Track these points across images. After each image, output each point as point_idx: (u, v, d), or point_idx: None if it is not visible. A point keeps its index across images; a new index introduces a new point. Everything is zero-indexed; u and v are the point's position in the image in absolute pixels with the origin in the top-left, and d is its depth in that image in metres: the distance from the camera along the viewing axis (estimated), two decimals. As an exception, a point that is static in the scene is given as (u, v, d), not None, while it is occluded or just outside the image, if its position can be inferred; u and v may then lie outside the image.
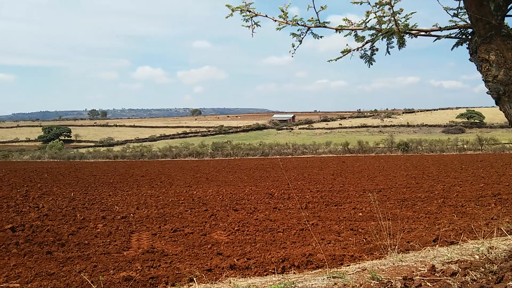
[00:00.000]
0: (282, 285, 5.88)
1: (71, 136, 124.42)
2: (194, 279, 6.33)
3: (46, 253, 8.54)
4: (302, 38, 4.05)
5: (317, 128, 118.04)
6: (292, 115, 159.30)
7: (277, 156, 47.55)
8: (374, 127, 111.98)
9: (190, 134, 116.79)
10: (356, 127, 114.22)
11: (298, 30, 4.04)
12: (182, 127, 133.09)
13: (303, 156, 48.28)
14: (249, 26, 3.98)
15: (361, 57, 4.09)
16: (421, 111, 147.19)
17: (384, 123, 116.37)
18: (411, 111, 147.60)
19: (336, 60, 4.12)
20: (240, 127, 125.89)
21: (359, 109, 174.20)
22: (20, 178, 25.28)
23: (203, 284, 6.24)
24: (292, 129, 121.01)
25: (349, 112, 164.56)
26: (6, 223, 11.37)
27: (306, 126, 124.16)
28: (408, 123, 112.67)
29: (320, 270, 6.65)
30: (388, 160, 37.39)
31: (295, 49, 4.08)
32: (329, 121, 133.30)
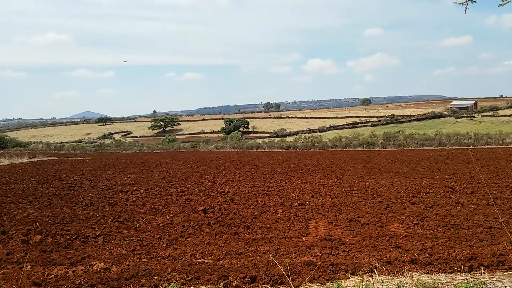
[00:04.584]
0: (471, 285, 5.52)
1: (248, 128, 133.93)
2: (374, 270, 6.34)
3: (234, 234, 9.45)
4: None
5: (504, 116, 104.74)
6: (474, 101, 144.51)
7: (469, 147, 43.73)
8: None
9: (359, 124, 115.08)
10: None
11: None
12: (352, 117, 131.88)
13: (487, 147, 43.39)
14: (462, 3, 3.85)
15: None
16: None
17: None
18: None
19: None
20: (414, 115, 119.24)
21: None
22: (207, 166, 28.22)
23: (384, 276, 6.21)
24: (473, 117, 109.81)
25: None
26: (199, 205, 12.90)
27: (490, 113, 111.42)
28: None
29: (515, 272, 6.04)
30: None
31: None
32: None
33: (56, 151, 65.55)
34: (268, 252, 7.79)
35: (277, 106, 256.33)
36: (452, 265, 6.70)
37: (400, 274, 6.28)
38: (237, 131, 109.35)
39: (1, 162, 31.98)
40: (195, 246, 8.46)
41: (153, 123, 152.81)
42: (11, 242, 8.74)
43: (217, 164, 29.34)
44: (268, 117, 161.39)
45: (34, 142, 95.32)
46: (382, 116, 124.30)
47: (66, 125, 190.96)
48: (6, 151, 40.75)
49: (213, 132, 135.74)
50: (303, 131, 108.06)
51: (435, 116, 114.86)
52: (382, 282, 5.96)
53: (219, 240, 8.94)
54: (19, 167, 28.35)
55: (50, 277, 6.52)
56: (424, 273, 6.43)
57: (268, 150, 52.38)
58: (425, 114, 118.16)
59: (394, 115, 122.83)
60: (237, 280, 6.23)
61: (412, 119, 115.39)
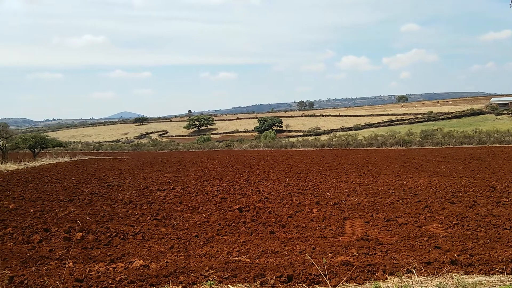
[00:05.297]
0: (515, 288, 5.34)
1: (282, 127, 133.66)
2: (413, 270, 6.23)
3: (269, 233, 9.47)
4: None
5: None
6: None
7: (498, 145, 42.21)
8: None
9: (396, 122, 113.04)
10: None
11: None
12: (388, 114, 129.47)
13: (530, 144, 41.81)
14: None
15: None
16: None
17: None
18: None
19: None
20: (452, 113, 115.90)
21: None
22: (241, 165, 28.37)
23: (423, 277, 6.10)
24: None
25: None
26: (235, 204, 12.98)
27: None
28: None
29: None
30: None
31: None
32: None
33: (95, 151, 67.55)
34: (304, 251, 7.77)
35: (311, 105, 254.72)
36: (493, 266, 6.53)
37: (440, 275, 6.15)
38: (270, 130, 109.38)
39: (43, 161, 33.16)
40: (231, 244, 8.52)
41: (188, 122, 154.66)
42: (54, 239, 9.05)
43: (251, 163, 29.45)
44: (302, 116, 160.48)
45: (74, 142, 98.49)
46: (419, 114, 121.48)
47: (104, 125, 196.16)
48: (47, 151, 42.19)
49: (246, 131, 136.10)
50: (337, 129, 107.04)
51: (474, 113, 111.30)
52: (422, 283, 5.85)
53: (255, 239, 8.98)
54: (60, 166, 29.33)
55: (91, 273, 6.72)
56: (465, 274, 6.28)
57: (302, 149, 52.17)
58: (464, 111, 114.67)
59: (431, 112, 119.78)
60: (274, 278, 6.25)
61: (450, 116, 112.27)
